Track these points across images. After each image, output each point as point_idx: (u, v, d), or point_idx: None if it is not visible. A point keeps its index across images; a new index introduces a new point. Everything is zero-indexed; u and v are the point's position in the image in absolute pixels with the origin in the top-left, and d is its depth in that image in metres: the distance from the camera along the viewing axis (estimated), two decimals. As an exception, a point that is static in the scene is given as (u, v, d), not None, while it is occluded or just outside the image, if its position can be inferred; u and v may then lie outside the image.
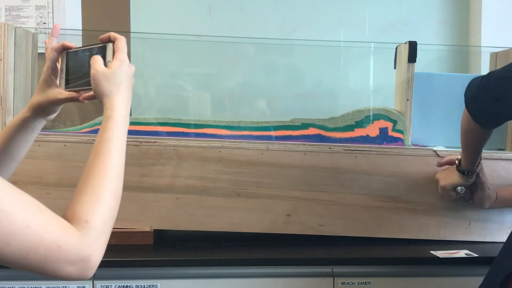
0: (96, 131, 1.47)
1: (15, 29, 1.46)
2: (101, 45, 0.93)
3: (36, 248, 0.67)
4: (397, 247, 1.45)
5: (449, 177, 1.38)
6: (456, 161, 1.34)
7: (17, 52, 1.47)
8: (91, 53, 0.93)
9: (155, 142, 1.45)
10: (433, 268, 1.36)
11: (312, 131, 1.52)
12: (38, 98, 0.97)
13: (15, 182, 1.42)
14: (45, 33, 1.82)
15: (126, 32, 1.86)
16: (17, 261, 0.67)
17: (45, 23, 1.83)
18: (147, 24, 1.86)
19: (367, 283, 1.34)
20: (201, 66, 1.93)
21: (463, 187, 1.37)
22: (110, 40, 0.93)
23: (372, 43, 1.90)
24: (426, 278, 1.36)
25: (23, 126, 0.97)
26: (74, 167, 1.43)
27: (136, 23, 1.87)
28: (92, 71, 0.89)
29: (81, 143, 1.44)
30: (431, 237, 1.49)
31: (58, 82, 0.97)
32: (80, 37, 1.83)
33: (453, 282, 1.35)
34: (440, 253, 1.37)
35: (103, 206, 0.77)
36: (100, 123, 1.50)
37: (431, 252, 1.39)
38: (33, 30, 1.67)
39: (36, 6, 1.82)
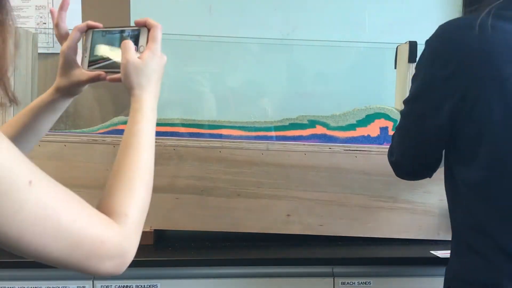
0: (112, 132, 1.49)
1: (15, 29, 1.46)
2: (135, 28, 0.88)
3: (81, 244, 0.65)
4: (397, 247, 1.45)
5: None
6: None
7: (17, 52, 1.47)
8: (122, 36, 0.88)
9: (155, 142, 1.45)
10: (433, 268, 1.36)
11: (319, 130, 1.51)
12: (61, 81, 0.94)
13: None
14: (45, 33, 1.82)
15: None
16: (62, 258, 0.64)
17: (45, 23, 1.83)
18: (147, 24, 1.86)
19: (367, 283, 1.34)
20: (201, 66, 1.93)
21: None
22: (145, 26, 0.88)
23: (372, 43, 1.90)
24: (426, 278, 1.36)
25: (49, 107, 0.95)
26: (74, 167, 1.43)
27: (136, 23, 1.87)
28: (123, 60, 0.85)
29: (81, 143, 1.44)
30: (431, 237, 1.49)
31: (80, 62, 0.93)
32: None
33: (453, 282, 1.35)
34: (440, 253, 1.37)
35: (138, 199, 0.76)
36: (116, 124, 1.51)
37: (431, 252, 1.39)
38: (33, 30, 1.67)
39: (36, 6, 1.82)
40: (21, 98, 1.52)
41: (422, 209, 1.48)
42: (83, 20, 1.83)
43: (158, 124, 1.50)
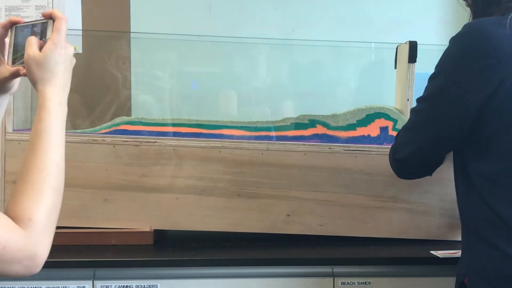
0: (114, 132, 1.49)
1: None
2: (44, 21, 0.88)
3: None
4: (397, 247, 1.45)
5: None
6: None
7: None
8: (33, 30, 0.88)
9: (155, 142, 1.45)
10: (433, 268, 1.36)
11: (319, 129, 1.51)
12: None
13: (15, 182, 1.42)
14: (45, 33, 1.81)
15: (126, 32, 1.86)
16: None
17: (45, 23, 1.82)
18: (147, 24, 1.86)
19: (367, 283, 1.34)
20: (201, 66, 1.93)
21: None
22: (51, 18, 0.87)
23: (372, 43, 1.90)
24: (426, 278, 1.36)
25: None
26: (74, 167, 1.43)
27: (136, 23, 1.87)
28: (25, 55, 0.83)
29: (81, 143, 1.44)
30: (431, 237, 1.49)
31: (6, 58, 0.92)
32: (80, 37, 1.83)
33: (453, 282, 1.35)
34: (440, 253, 1.37)
35: (44, 202, 0.76)
36: (118, 124, 1.51)
37: (431, 252, 1.39)
38: (33, 30, 1.67)
39: (36, 6, 1.82)
40: (21, 97, 1.52)
41: (422, 209, 1.48)
42: (83, 20, 1.84)
43: (158, 124, 1.51)
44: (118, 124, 1.52)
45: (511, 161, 0.99)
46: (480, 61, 0.98)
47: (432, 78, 1.08)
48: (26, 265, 0.72)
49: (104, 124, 1.54)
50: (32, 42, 0.85)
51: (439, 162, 1.15)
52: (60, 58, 0.84)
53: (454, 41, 1.05)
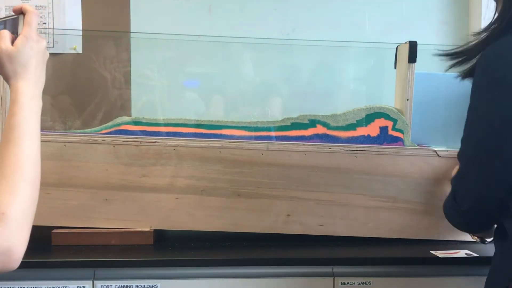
0: (115, 132, 1.49)
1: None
2: (15, 17, 0.87)
3: None
4: (397, 247, 1.45)
5: None
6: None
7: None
8: (5, 26, 0.87)
9: (155, 142, 1.45)
10: (433, 268, 1.36)
11: (320, 129, 1.51)
12: None
13: (15, 182, 1.42)
14: (45, 33, 1.82)
15: (126, 32, 1.86)
16: None
17: (45, 23, 1.83)
18: (147, 24, 1.86)
19: (367, 283, 1.34)
20: (201, 66, 1.93)
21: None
22: (22, 12, 0.87)
23: (372, 43, 1.90)
24: (426, 278, 1.36)
25: None
26: (74, 167, 1.43)
27: (136, 23, 1.87)
28: None
29: (81, 143, 1.44)
30: (431, 237, 1.49)
31: None
32: (80, 37, 1.83)
33: (453, 282, 1.35)
34: (440, 253, 1.37)
35: (19, 196, 0.75)
36: (119, 124, 1.51)
37: (431, 252, 1.39)
38: (33, 30, 1.67)
39: (36, 6, 1.82)
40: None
41: (422, 209, 1.48)
42: (83, 20, 1.84)
43: (160, 125, 1.52)
44: (119, 124, 1.52)
45: None
46: None
47: (473, 110, 1.03)
48: (2, 261, 0.71)
49: (105, 124, 1.54)
50: (4, 36, 0.84)
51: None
52: (32, 51, 0.84)
53: (484, 67, 1.00)
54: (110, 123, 1.54)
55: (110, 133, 1.50)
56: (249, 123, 1.54)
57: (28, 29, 0.85)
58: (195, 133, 1.52)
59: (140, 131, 1.51)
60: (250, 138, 1.51)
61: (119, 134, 1.48)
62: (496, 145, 0.98)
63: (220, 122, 1.53)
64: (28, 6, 0.87)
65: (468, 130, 1.04)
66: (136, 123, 1.52)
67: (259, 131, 1.53)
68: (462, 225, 1.13)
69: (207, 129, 1.52)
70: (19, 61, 0.83)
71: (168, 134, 1.51)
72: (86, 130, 1.55)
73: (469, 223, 1.10)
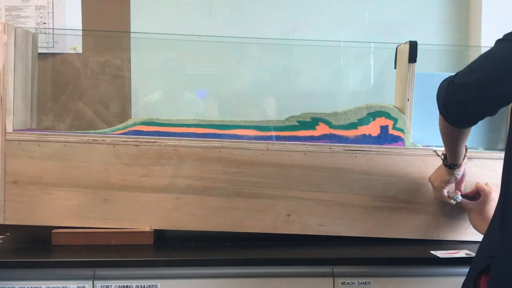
0: (129, 133, 1.48)
1: (15, 29, 1.46)
2: None
3: None
4: (397, 247, 1.45)
5: (439, 176, 1.38)
6: (442, 156, 1.35)
7: (17, 52, 1.47)
8: None
9: (155, 142, 1.45)
10: (433, 268, 1.36)
11: (324, 129, 1.51)
12: None
13: (15, 182, 1.42)
14: (45, 33, 1.82)
15: (126, 32, 1.86)
16: None
17: (45, 23, 1.83)
18: (147, 24, 1.86)
19: (367, 283, 1.35)
20: (201, 66, 1.93)
21: (459, 196, 1.39)
22: None
23: (372, 43, 1.90)
24: (426, 278, 1.36)
25: None
26: (74, 167, 1.43)
27: (136, 23, 1.87)
28: None
29: (81, 143, 1.44)
30: (431, 237, 1.49)
31: None
32: (80, 37, 1.83)
33: (453, 282, 1.35)
34: (440, 253, 1.37)
35: None
36: (132, 125, 1.50)
37: (431, 252, 1.39)
38: (33, 30, 1.67)
39: (36, 6, 1.82)
40: (21, 97, 1.52)
41: (422, 209, 1.48)
42: (83, 20, 1.84)
43: (162, 125, 1.51)
44: (132, 125, 1.51)
45: None
46: None
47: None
48: None
49: (119, 125, 1.53)
50: None
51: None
52: None
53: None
54: (123, 124, 1.52)
55: (124, 134, 1.49)
56: (260, 122, 1.53)
57: None
58: (209, 133, 1.51)
59: (156, 131, 1.50)
60: (256, 138, 1.50)
61: (134, 135, 1.47)
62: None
63: (233, 122, 1.52)
64: None
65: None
66: (150, 123, 1.51)
67: (269, 131, 1.53)
68: (455, 111, 1.10)
69: (221, 129, 1.51)
70: None
71: (182, 134, 1.50)
72: (97, 131, 1.53)
73: (463, 110, 1.09)
